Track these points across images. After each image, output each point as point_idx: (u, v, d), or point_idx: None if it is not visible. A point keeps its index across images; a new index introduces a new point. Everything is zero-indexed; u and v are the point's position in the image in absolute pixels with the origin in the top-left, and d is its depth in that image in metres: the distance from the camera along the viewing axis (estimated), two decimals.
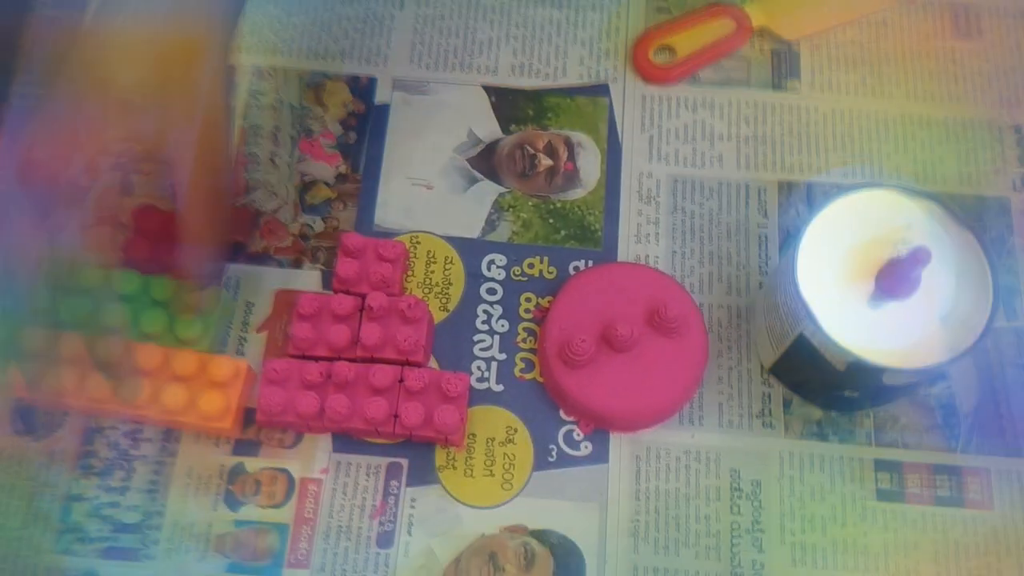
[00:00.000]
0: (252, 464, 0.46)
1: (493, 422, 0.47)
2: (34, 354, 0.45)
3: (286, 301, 0.50)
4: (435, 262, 0.51)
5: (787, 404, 0.48)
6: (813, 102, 0.55)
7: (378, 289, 0.48)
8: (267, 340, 0.49)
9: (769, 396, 0.49)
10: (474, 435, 0.47)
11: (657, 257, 0.51)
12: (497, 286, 0.50)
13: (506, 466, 0.46)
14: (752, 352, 0.49)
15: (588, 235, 0.52)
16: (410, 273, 0.51)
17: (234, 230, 0.51)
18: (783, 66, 0.56)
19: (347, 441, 0.47)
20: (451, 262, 0.51)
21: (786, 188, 0.53)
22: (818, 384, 0.47)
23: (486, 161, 0.53)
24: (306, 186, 0.53)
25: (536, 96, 0.55)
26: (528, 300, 0.50)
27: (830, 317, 0.42)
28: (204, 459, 0.46)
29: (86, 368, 0.45)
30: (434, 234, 0.52)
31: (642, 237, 0.52)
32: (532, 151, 0.54)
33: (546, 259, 0.51)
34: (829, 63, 0.56)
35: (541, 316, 0.50)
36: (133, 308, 0.47)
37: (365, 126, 0.54)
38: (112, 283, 0.47)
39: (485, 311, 0.50)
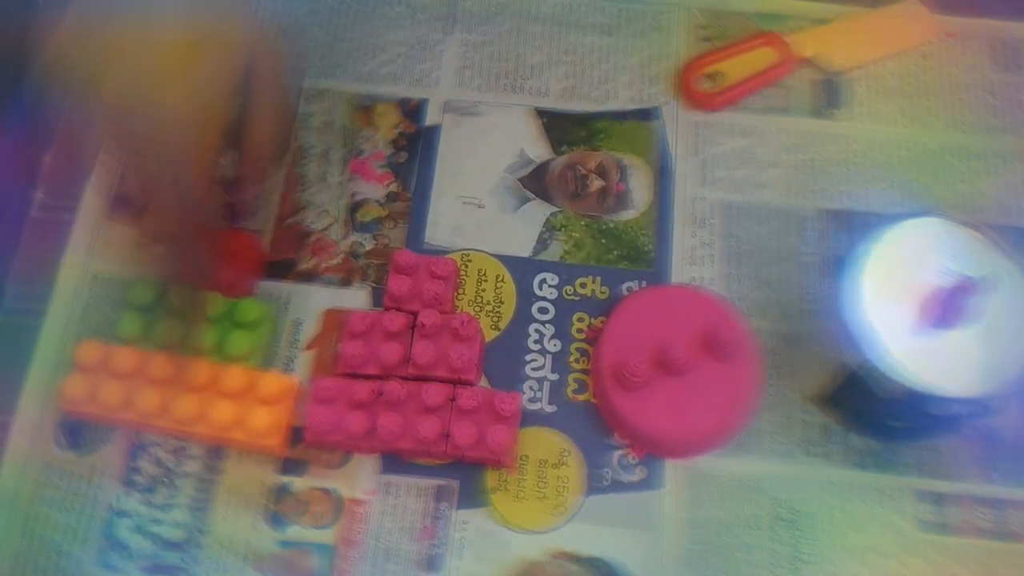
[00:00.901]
0: (299, 484, 0.45)
1: (545, 444, 0.46)
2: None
3: (335, 319, 0.49)
4: (486, 280, 0.50)
5: (831, 433, 0.47)
6: (854, 131, 0.55)
7: (430, 307, 0.47)
8: (316, 358, 0.48)
9: (814, 424, 0.47)
10: (526, 457, 0.46)
11: (712, 279, 0.50)
12: (549, 305, 0.50)
13: (558, 489, 0.45)
14: (798, 379, 0.48)
15: (640, 256, 0.51)
16: (461, 291, 0.50)
17: (283, 249, 0.51)
18: (825, 95, 0.56)
19: (395, 462, 0.46)
20: (502, 280, 0.50)
21: (827, 216, 0.52)
22: (866, 413, 0.46)
23: (537, 181, 0.53)
24: (356, 205, 0.52)
25: (586, 119, 0.55)
26: (580, 320, 0.49)
27: (885, 347, 0.41)
28: (250, 477, 0.46)
29: (136, 382, 0.45)
30: (485, 252, 0.51)
31: (696, 259, 0.51)
32: (583, 171, 0.53)
33: (598, 279, 0.50)
34: (870, 93, 0.56)
35: (594, 336, 0.49)
36: (183, 324, 0.46)
37: (416, 146, 0.54)
38: (163, 299, 0.47)
39: (537, 330, 0.49)
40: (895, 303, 0.42)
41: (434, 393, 0.45)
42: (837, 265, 0.50)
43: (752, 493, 0.46)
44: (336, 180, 0.53)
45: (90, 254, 0.51)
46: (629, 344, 0.47)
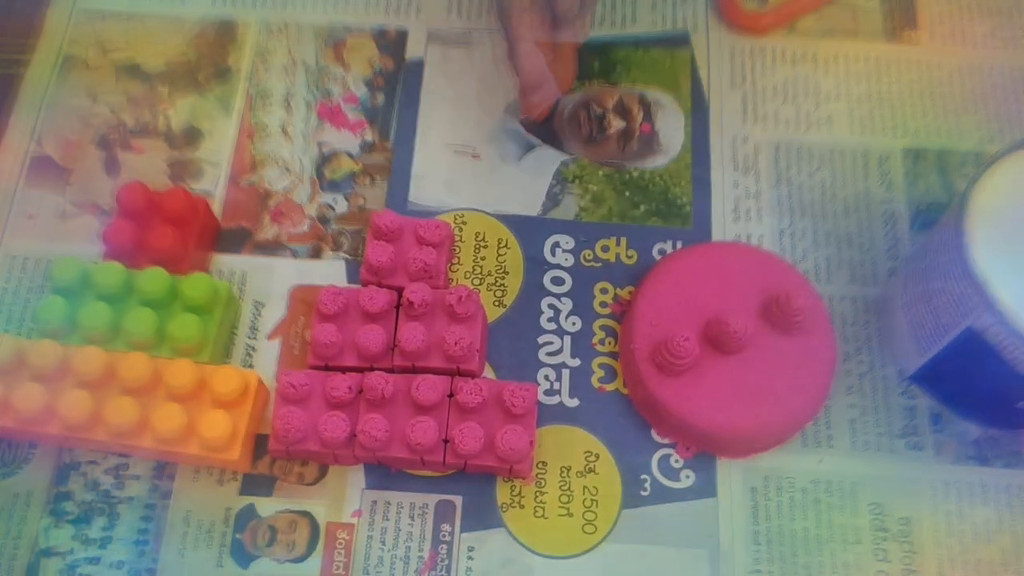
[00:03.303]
0: (265, 506, 0.36)
1: (568, 446, 0.37)
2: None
3: (304, 299, 0.40)
4: (486, 246, 0.41)
5: (936, 420, 0.38)
6: (937, 56, 0.45)
7: (419, 280, 0.38)
8: (282, 347, 0.39)
9: (913, 410, 0.38)
10: (544, 464, 0.37)
11: (761, 236, 0.41)
12: (564, 274, 0.41)
13: (587, 503, 0.36)
14: (888, 355, 0.39)
15: (674, 211, 0.42)
16: (456, 261, 0.41)
17: (238, 215, 0.41)
18: (899, 14, 0.47)
19: (384, 474, 0.37)
20: (506, 246, 0.41)
21: (913, 156, 0.43)
22: (984, 393, 0.37)
23: (544, 124, 0.44)
24: (325, 159, 0.43)
25: (602, 47, 0.45)
26: (604, 291, 0.40)
27: (1012, 304, 0.32)
28: (205, 501, 0.36)
29: (60, 385, 0.36)
30: (484, 212, 0.42)
31: (741, 214, 0.42)
32: (600, 110, 0.44)
33: (623, 240, 0.41)
34: (951, 11, 0.47)
35: (621, 311, 0.40)
36: (114, 308, 0.37)
37: (395, 86, 0.44)
38: (92, 279, 0.38)
39: (551, 305, 0.40)
40: (1017, 250, 0.33)
41: (428, 388, 0.36)
42: (929, 212, 0.42)
43: (842, 499, 0.37)
44: (300, 130, 0.44)
45: (3, 229, 0.42)
46: (668, 318, 0.38)
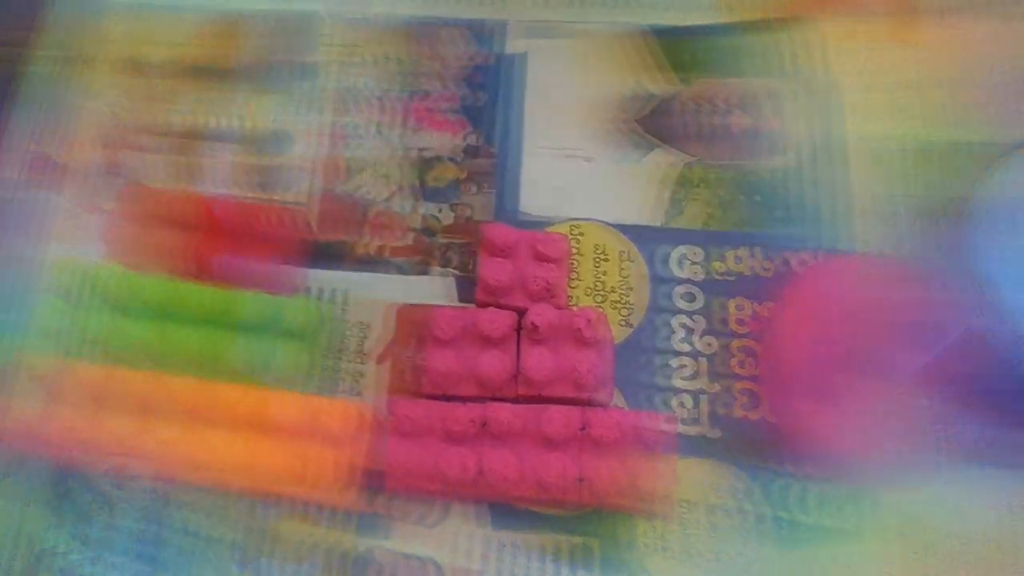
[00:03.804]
0: (383, 550, 0.34)
1: (711, 481, 0.34)
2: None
3: (412, 319, 0.37)
4: (606, 259, 0.38)
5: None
6: None
7: (540, 300, 0.35)
8: (390, 374, 0.36)
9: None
10: (688, 503, 0.34)
11: (902, 242, 0.38)
12: (695, 290, 0.37)
13: (716, 544, 0.33)
14: None
15: (803, 215, 0.38)
16: (574, 276, 0.38)
17: (335, 227, 0.38)
18: None
19: (508, 513, 0.34)
20: (629, 259, 0.38)
21: None
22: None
23: (661, 122, 0.40)
24: (426, 164, 0.40)
25: (717, 34, 0.41)
26: (740, 308, 0.37)
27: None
28: (315, 545, 0.34)
29: (151, 417, 0.33)
30: (601, 222, 0.38)
31: (881, 215, 0.38)
32: (720, 105, 0.40)
33: (757, 250, 0.38)
34: None
35: (760, 330, 0.36)
36: (209, 334, 0.34)
37: (496, 83, 0.41)
38: (184, 300, 0.35)
39: (683, 324, 0.37)
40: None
41: (558, 421, 0.33)
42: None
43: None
44: (396, 132, 0.40)
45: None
46: (814, 337, 0.34)
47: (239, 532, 0.34)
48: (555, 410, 0.33)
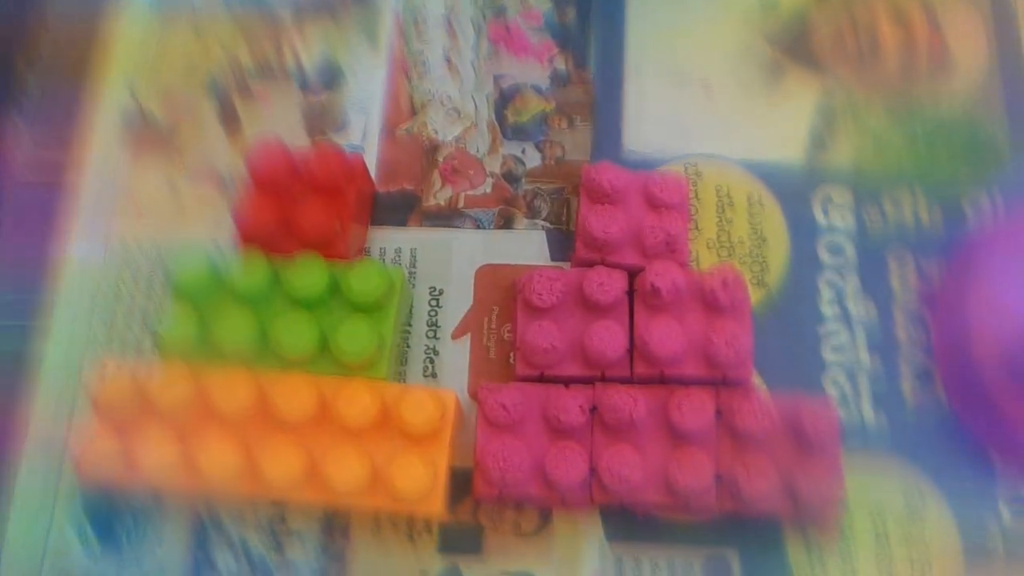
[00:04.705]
0: (474, 569, 0.27)
1: (878, 482, 0.27)
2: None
3: (496, 283, 0.30)
4: (732, 206, 0.31)
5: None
6: None
7: (657, 256, 0.28)
8: (471, 350, 0.30)
9: None
10: (852, 511, 0.27)
11: None
12: (844, 241, 0.30)
13: (914, 564, 0.26)
14: None
15: (984, 152, 0.31)
16: (693, 228, 0.31)
17: (397, 176, 0.32)
18: None
19: (627, 521, 0.27)
20: (760, 204, 0.31)
21: None
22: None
23: (799, 41, 0.33)
24: (506, 97, 0.33)
25: None
26: (902, 263, 0.30)
27: None
28: (394, 564, 0.27)
29: (198, 425, 0.27)
30: (726, 159, 0.31)
31: None
32: (869, 19, 0.33)
33: (921, 194, 0.30)
34: None
35: (931, 292, 0.29)
36: (258, 314, 0.28)
37: None
38: (226, 276, 0.28)
39: (832, 284, 0.30)
40: None
41: (692, 407, 0.26)
42: None
43: None
44: (469, 60, 0.34)
45: (100, 210, 0.33)
46: (1008, 302, 0.27)
47: (309, 554, 0.28)
48: (686, 393, 0.26)
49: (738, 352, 0.26)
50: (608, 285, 0.27)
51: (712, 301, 0.27)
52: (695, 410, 0.26)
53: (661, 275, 0.27)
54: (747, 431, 0.26)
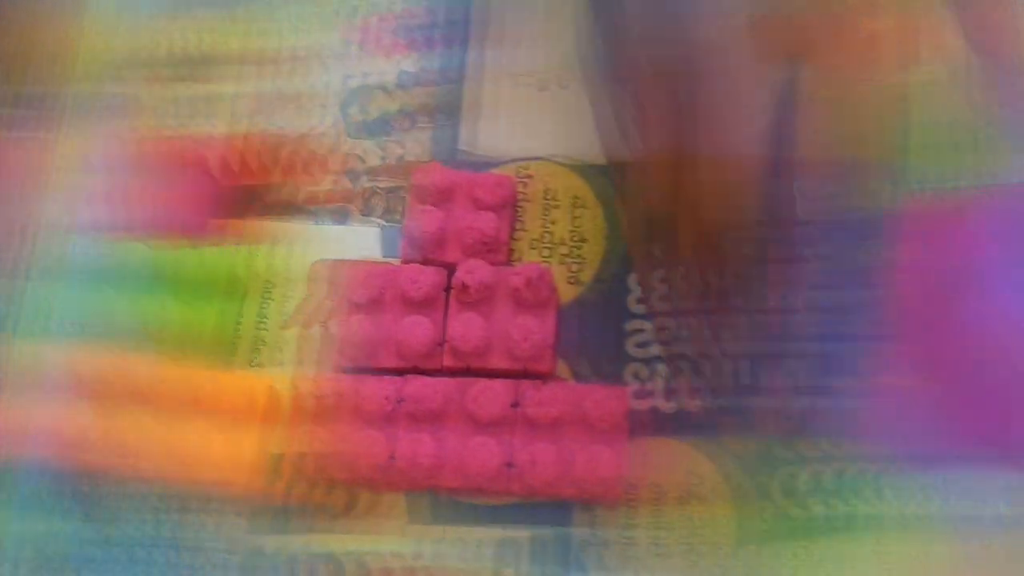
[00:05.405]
0: (278, 545, 0.29)
1: (665, 466, 0.29)
2: None
3: (330, 277, 0.32)
4: (556, 206, 0.32)
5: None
6: None
7: (476, 255, 0.30)
8: (298, 342, 0.31)
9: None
10: (634, 488, 0.29)
11: None
12: None
13: (691, 539, 0.29)
14: None
15: None
16: (519, 227, 0.32)
17: (242, 169, 0.33)
18: None
19: (432, 501, 0.29)
20: (583, 205, 0.32)
21: None
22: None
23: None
24: (353, 94, 0.34)
25: None
26: None
27: None
28: (214, 540, 0.29)
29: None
30: (557, 161, 0.33)
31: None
32: None
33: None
34: None
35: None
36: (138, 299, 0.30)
37: None
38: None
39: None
40: None
41: (487, 398, 0.28)
42: None
43: None
44: (326, 54, 0.35)
45: None
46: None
47: (147, 525, 0.30)
48: (484, 386, 0.28)
49: (535, 346, 0.28)
50: (421, 282, 0.29)
51: (517, 297, 0.29)
52: (489, 402, 0.28)
53: (470, 272, 0.29)
54: (536, 420, 0.28)
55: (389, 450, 0.28)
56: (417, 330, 0.29)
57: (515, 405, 0.28)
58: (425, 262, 0.30)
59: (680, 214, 0.26)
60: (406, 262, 0.30)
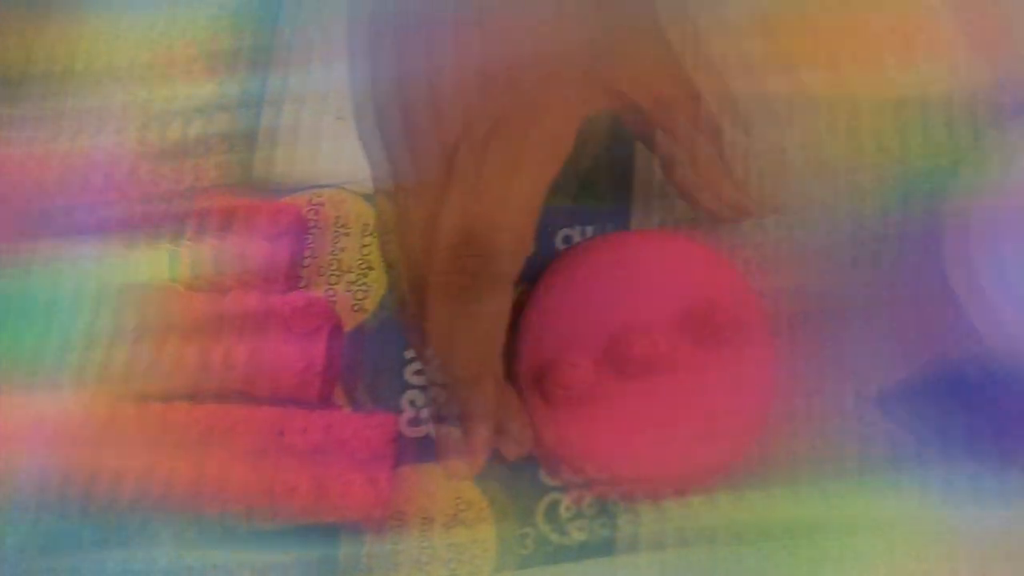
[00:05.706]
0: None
1: (433, 491, 0.30)
2: None
3: (115, 301, 0.32)
4: (347, 234, 0.33)
5: (907, 454, 0.30)
6: None
7: (251, 282, 0.30)
8: (78, 365, 0.31)
9: (876, 440, 0.31)
10: (402, 514, 0.30)
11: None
12: None
13: (453, 564, 0.29)
14: (846, 371, 0.31)
15: (587, 187, 0.33)
16: (309, 254, 0.33)
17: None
18: None
19: (199, 526, 0.30)
20: (372, 233, 0.33)
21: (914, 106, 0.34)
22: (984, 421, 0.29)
23: None
24: (153, 118, 0.35)
25: None
26: None
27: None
28: None
29: None
30: (350, 190, 0.33)
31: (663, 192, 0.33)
32: None
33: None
34: None
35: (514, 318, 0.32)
36: None
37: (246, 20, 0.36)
38: None
39: None
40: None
41: (249, 427, 0.28)
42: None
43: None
44: (128, 77, 0.35)
45: None
46: (561, 333, 0.30)
47: None
48: (248, 414, 0.29)
49: (301, 377, 0.29)
50: (195, 310, 0.30)
51: (287, 325, 0.30)
52: (252, 429, 0.28)
53: (235, 300, 0.29)
54: (297, 448, 0.28)
55: (152, 476, 0.28)
56: (186, 357, 0.29)
57: (280, 433, 0.29)
58: (205, 288, 0.31)
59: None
60: (188, 288, 0.31)
